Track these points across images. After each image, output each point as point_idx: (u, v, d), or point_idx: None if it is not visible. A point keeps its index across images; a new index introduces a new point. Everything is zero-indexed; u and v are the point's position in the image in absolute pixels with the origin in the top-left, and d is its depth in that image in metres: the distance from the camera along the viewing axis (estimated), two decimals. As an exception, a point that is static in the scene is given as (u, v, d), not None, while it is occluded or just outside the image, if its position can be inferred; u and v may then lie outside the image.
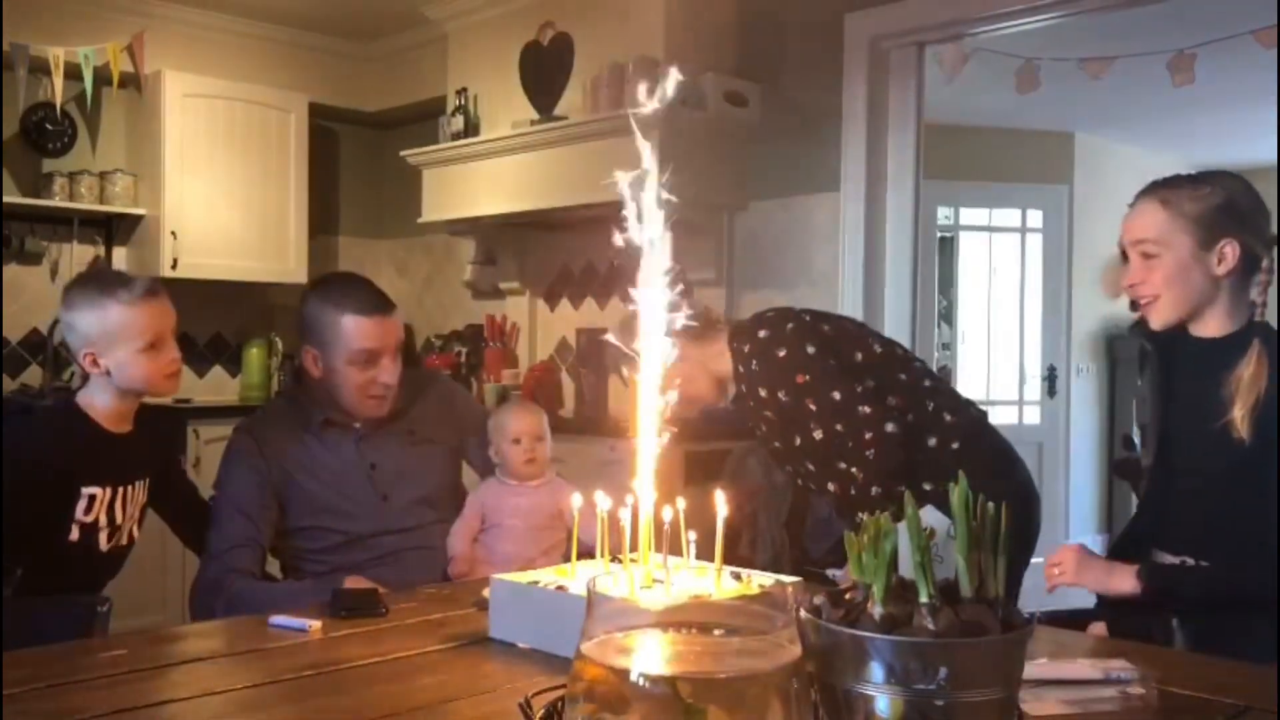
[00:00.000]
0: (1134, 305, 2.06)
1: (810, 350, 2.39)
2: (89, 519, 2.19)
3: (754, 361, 2.42)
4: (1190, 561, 1.93)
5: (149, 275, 2.42)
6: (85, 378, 2.25)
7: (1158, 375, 2.04)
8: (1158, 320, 1.95)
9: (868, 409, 2.33)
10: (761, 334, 2.43)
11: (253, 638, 1.64)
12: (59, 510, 2.16)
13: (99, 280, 2.30)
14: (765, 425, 2.51)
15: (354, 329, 2.28)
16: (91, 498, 2.19)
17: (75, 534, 2.18)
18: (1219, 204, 1.88)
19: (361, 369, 2.29)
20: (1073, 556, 2.02)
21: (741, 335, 2.48)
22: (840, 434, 2.34)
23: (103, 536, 2.22)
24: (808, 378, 2.36)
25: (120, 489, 2.24)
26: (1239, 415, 1.83)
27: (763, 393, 2.42)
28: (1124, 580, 1.92)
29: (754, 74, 4.10)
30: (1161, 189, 1.94)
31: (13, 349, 4.83)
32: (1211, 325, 1.93)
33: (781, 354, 2.40)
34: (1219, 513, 1.91)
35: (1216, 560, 1.90)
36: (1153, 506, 2.05)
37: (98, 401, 2.24)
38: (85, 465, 2.19)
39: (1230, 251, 1.88)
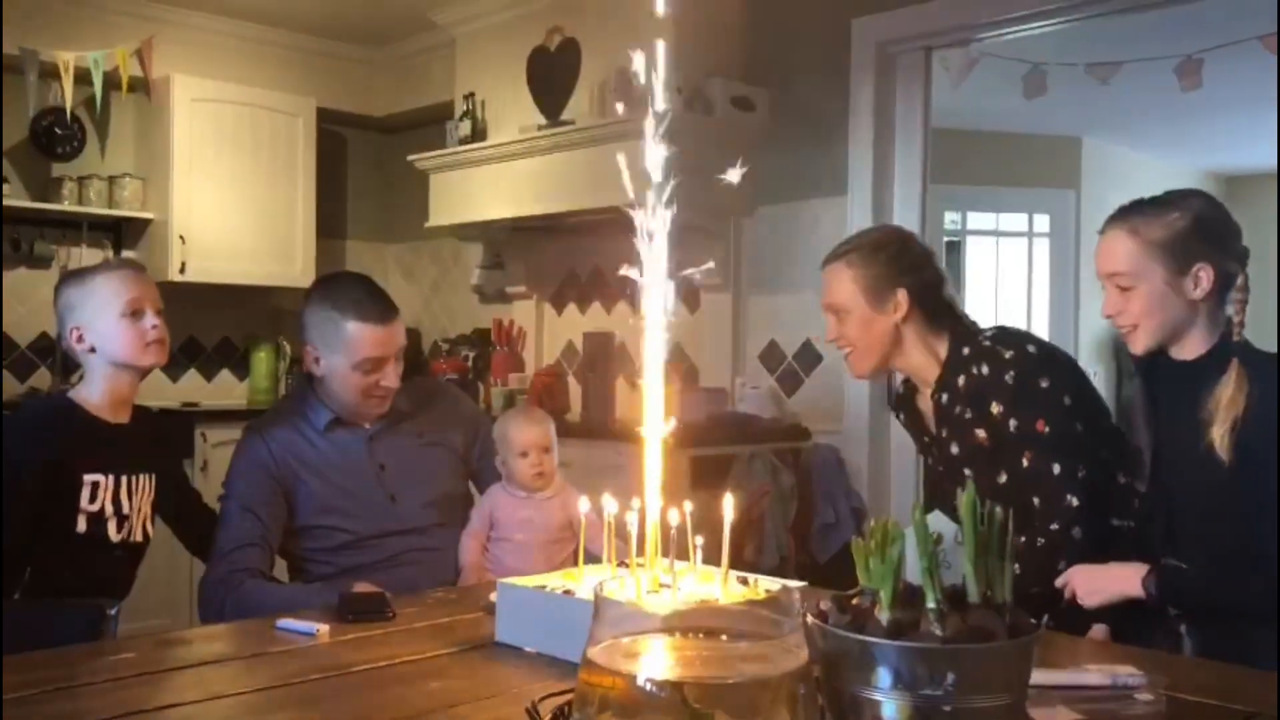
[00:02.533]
0: None
1: (1067, 402, 2.09)
2: (94, 508, 2.20)
3: (1009, 373, 2.08)
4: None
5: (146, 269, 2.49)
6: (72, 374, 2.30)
7: (1144, 396, 2.03)
8: (1138, 347, 1.95)
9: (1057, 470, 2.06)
10: (1031, 349, 2.13)
11: (260, 641, 1.65)
12: (64, 500, 2.17)
13: (83, 268, 2.44)
14: (965, 441, 2.19)
15: (358, 337, 2.27)
16: (95, 485, 2.20)
17: (83, 525, 2.19)
18: (1187, 228, 1.87)
19: (365, 374, 2.29)
20: (1079, 577, 1.96)
21: (1009, 340, 2.15)
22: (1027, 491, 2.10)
23: (111, 527, 2.23)
24: (1047, 429, 2.06)
25: (124, 478, 2.26)
26: (1218, 436, 1.82)
27: (995, 409, 2.10)
28: (1131, 584, 1.89)
29: (761, 79, 4.10)
30: (1129, 218, 1.93)
31: (21, 353, 4.84)
32: (1190, 347, 1.93)
33: (1044, 384, 2.08)
34: (1212, 531, 1.90)
35: (1217, 562, 1.88)
36: (1153, 521, 2.02)
37: (91, 393, 2.28)
38: (83, 452, 2.22)
39: (1205, 275, 1.87)
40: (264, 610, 1.92)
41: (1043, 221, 6.69)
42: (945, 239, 6.60)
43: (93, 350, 2.26)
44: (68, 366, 4.84)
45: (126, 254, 5.03)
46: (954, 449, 2.19)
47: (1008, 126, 6.17)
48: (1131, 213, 1.93)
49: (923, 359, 2.23)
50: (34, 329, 4.86)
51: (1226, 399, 1.82)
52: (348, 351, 2.28)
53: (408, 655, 1.56)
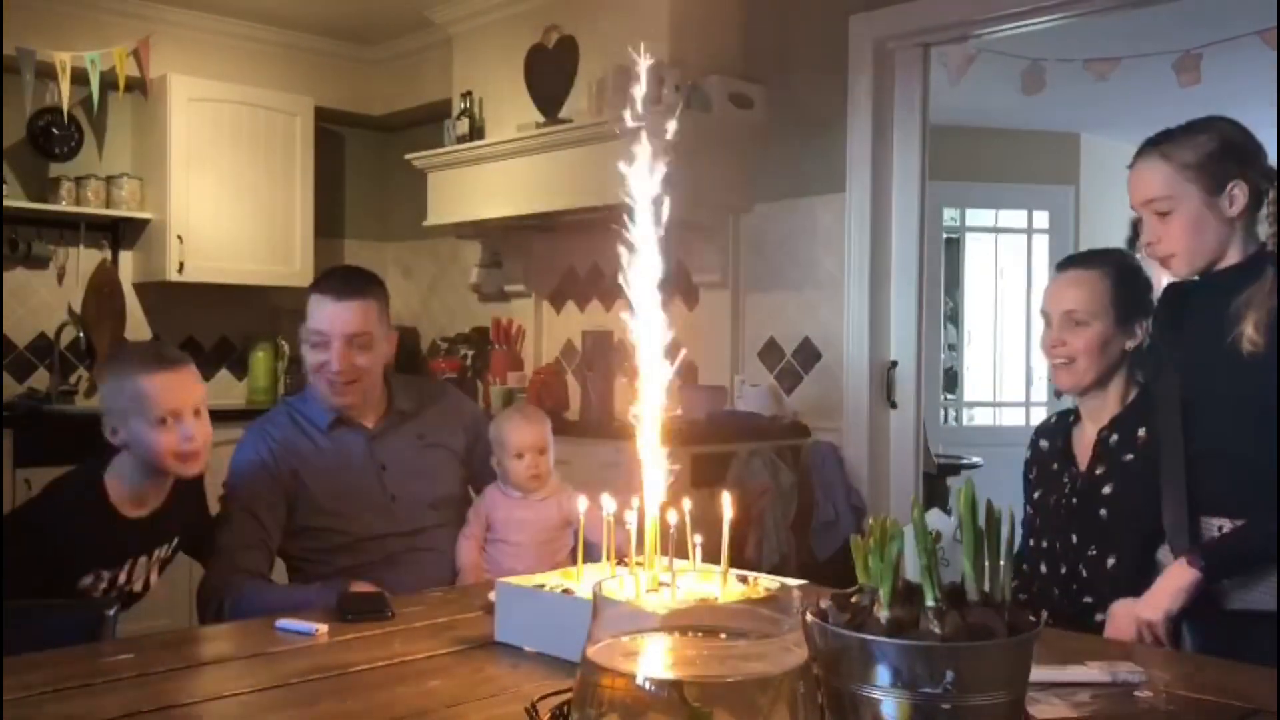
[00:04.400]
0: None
1: None
2: (88, 584, 2.14)
3: None
4: (1228, 524, 1.89)
5: (175, 346, 2.26)
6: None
7: (1168, 323, 2.05)
8: (1180, 271, 1.98)
9: None
10: None
11: (260, 641, 1.65)
12: (57, 586, 2.09)
13: (129, 352, 2.26)
14: (1119, 485, 2.15)
15: (313, 308, 2.31)
16: (96, 574, 2.13)
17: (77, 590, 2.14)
18: (1218, 148, 1.91)
19: (315, 350, 2.30)
20: (1124, 613, 1.94)
21: None
22: None
23: (100, 590, 2.16)
24: None
25: (131, 561, 2.18)
26: (1249, 327, 1.83)
27: None
28: (1181, 575, 1.87)
29: (759, 76, 4.10)
30: (1159, 145, 1.96)
31: (19, 353, 4.84)
32: (1225, 261, 1.95)
33: None
34: (1245, 449, 1.87)
35: (1253, 503, 1.86)
36: (1183, 473, 1.99)
37: (122, 480, 2.14)
38: (90, 550, 2.12)
39: (1240, 192, 1.90)
40: (263, 611, 1.92)
41: (1042, 218, 6.69)
42: (944, 236, 6.60)
43: (126, 447, 2.13)
44: (65, 368, 4.85)
45: (124, 254, 5.02)
46: (1105, 489, 2.17)
47: (1006, 123, 6.16)
48: (1160, 140, 1.97)
49: (1116, 395, 2.22)
50: (32, 330, 4.85)
51: (1260, 295, 1.84)
52: (307, 323, 2.31)
53: (407, 655, 1.56)
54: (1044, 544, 2.27)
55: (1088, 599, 2.15)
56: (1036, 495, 2.34)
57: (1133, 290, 2.19)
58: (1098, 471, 2.20)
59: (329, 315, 2.30)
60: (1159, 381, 2.08)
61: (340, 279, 2.38)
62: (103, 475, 2.15)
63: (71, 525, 2.10)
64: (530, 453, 2.28)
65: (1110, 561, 2.14)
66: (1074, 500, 2.23)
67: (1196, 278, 1.98)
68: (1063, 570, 2.22)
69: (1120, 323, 2.19)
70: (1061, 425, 2.35)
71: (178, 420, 2.08)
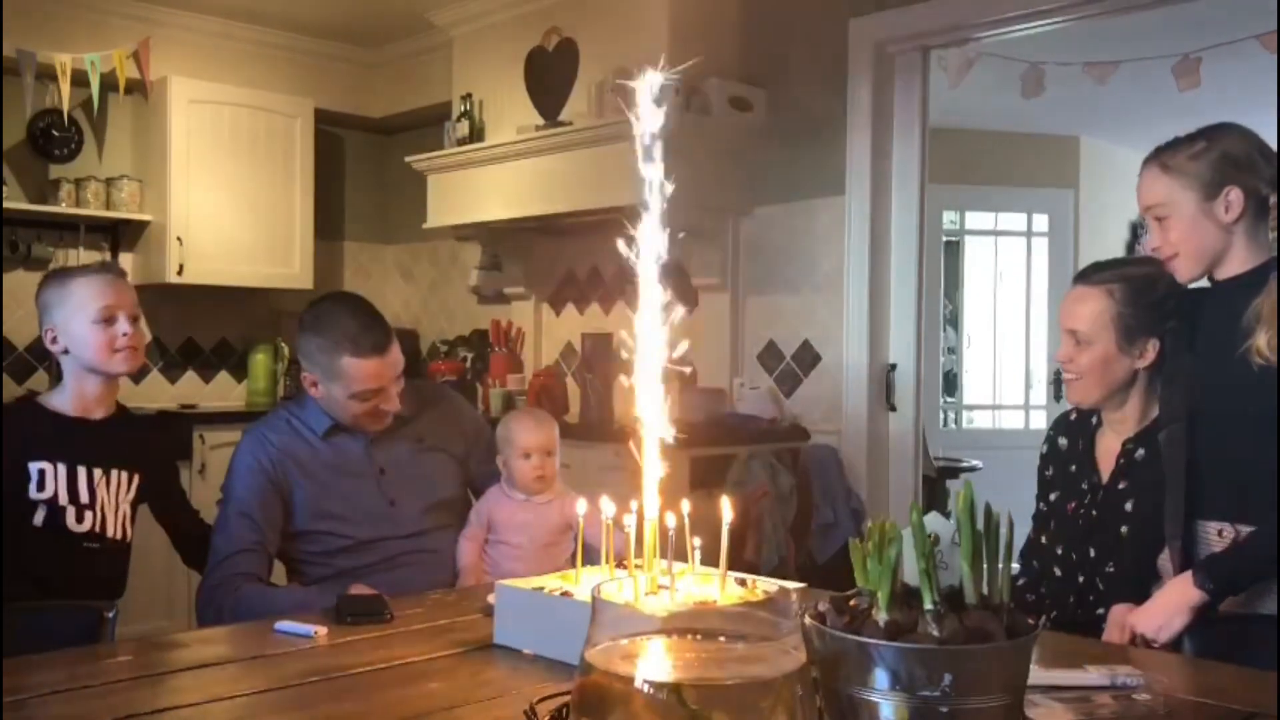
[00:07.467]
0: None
1: None
2: (44, 495, 2.22)
3: None
4: (1228, 528, 1.90)
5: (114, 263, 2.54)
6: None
7: (1184, 335, 2.05)
8: (1183, 275, 2.00)
9: None
10: None
11: (258, 644, 1.65)
12: (16, 492, 2.20)
13: (65, 268, 2.53)
14: (1142, 500, 2.13)
15: (354, 371, 2.25)
16: (41, 472, 2.22)
17: (40, 517, 2.21)
18: (1215, 156, 1.93)
19: (364, 401, 2.29)
20: (1120, 618, 1.96)
21: None
22: None
23: (70, 516, 2.24)
24: None
25: (85, 469, 2.28)
26: (1263, 340, 1.84)
27: None
28: (1186, 593, 1.87)
29: (759, 79, 4.10)
30: (1160, 154, 2.00)
31: (19, 355, 4.84)
32: (1231, 268, 1.96)
33: None
34: (1248, 456, 1.88)
35: (1253, 511, 1.86)
36: (1186, 474, 1.99)
37: (60, 395, 2.35)
38: (31, 442, 2.25)
39: (1235, 198, 1.92)
40: (262, 613, 1.92)
41: (1041, 221, 6.70)
42: (944, 238, 6.60)
43: (65, 352, 2.31)
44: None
45: (124, 255, 5.03)
46: (1127, 505, 2.15)
47: (1006, 126, 6.17)
48: (1163, 149, 2.00)
49: (1136, 410, 2.20)
50: (31, 331, 4.83)
51: (1267, 309, 1.85)
52: (345, 383, 2.27)
53: (406, 657, 1.56)
54: (1058, 550, 2.25)
55: (1100, 610, 2.13)
56: (1053, 497, 2.31)
57: (1141, 307, 2.15)
58: (1120, 486, 2.18)
59: (376, 372, 2.26)
60: (1170, 387, 2.07)
61: (363, 330, 2.26)
62: (36, 397, 2.39)
63: (12, 422, 2.30)
64: (538, 454, 2.29)
65: (1126, 577, 2.11)
66: (1094, 512, 2.21)
67: (1208, 283, 2.00)
68: (1080, 579, 2.20)
69: (1124, 342, 2.16)
70: (1083, 426, 2.31)
71: (114, 322, 2.30)
